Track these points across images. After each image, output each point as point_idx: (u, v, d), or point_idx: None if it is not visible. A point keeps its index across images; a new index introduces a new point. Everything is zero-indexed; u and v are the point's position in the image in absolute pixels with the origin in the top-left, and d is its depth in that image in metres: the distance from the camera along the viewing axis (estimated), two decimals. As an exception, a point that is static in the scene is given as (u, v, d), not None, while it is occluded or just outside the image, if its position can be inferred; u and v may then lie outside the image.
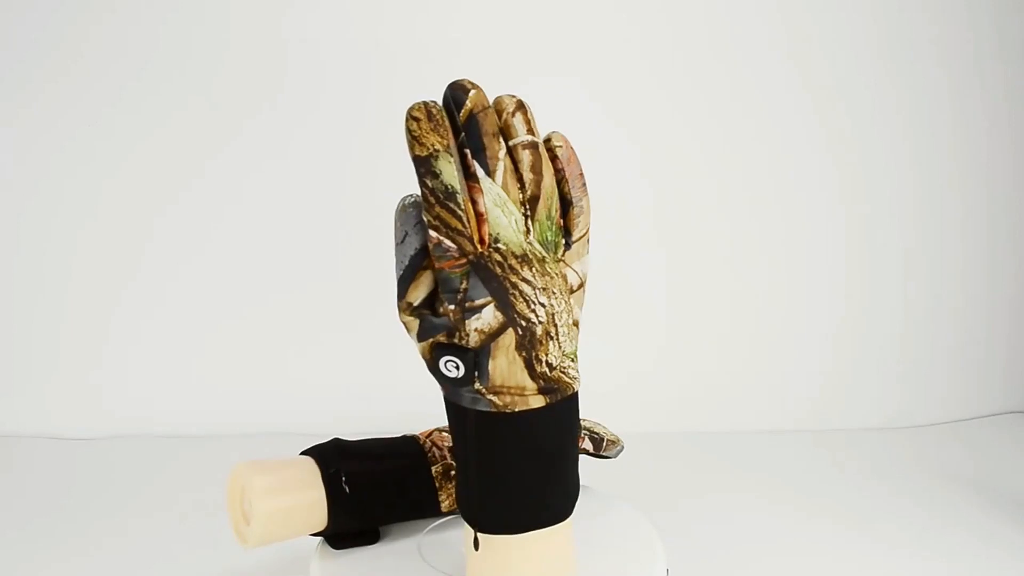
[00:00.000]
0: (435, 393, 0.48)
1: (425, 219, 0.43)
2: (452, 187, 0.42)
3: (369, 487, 0.54)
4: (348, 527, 0.54)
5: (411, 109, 0.43)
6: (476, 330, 0.43)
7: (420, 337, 0.45)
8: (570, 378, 0.47)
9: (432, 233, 0.42)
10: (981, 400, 1.01)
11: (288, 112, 0.89)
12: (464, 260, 0.42)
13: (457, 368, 0.44)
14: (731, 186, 0.95)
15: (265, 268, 0.91)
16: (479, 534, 0.46)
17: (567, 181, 0.46)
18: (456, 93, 0.44)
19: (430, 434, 0.59)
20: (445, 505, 0.56)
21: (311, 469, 0.53)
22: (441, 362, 0.44)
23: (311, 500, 0.52)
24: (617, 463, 0.60)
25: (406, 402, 0.88)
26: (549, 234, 0.45)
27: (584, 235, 0.47)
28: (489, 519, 0.46)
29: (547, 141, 0.46)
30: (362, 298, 0.92)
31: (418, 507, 0.56)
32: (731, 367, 0.97)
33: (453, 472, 0.56)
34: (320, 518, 0.52)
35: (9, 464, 0.82)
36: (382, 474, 0.55)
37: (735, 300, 0.96)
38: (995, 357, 1.01)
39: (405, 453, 0.56)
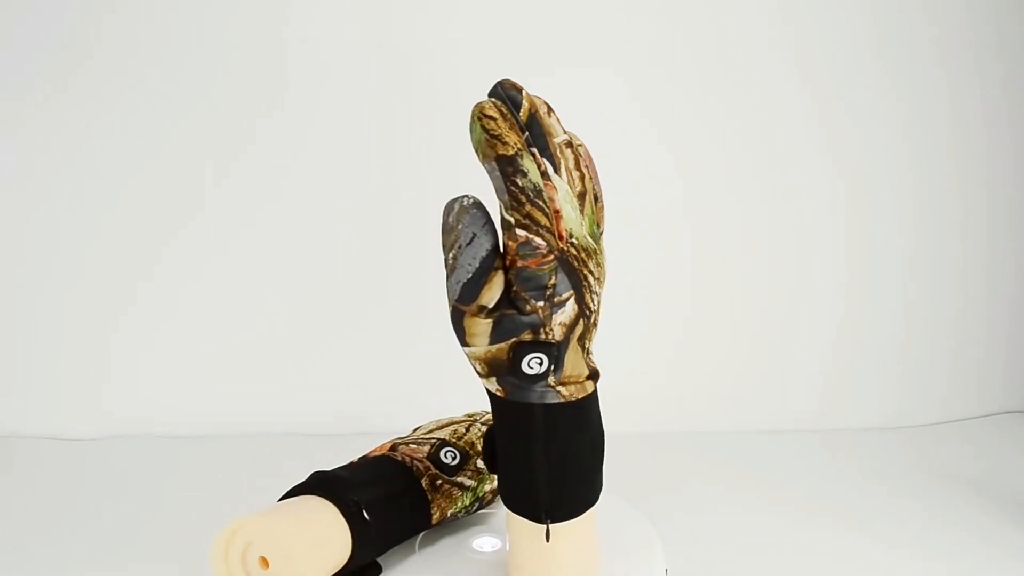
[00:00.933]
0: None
1: (510, 218, 0.43)
2: (538, 185, 0.43)
3: (383, 512, 0.52)
4: (366, 558, 0.51)
5: (484, 108, 0.43)
6: (560, 324, 0.44)
7: (498, 338, 0.44)
8: (595, 361, 0.48)
9: (520, 232, 0.43)
10: (981, 400, 1.01)
11: (292, 117, 0.89)
12: (551, 256, 0.43)
13: (540, 364, 0.44)
14: (729, 188, 0.95)
15: (266, 269, 0.91)
16: (551, 525, 0.46)
17: (593, 178, 0.47)
18: (511, 93, 0.44)
19: (395, 447, 0.58)
20: (436, 517, 0.55)
21: (323, 505, 0.50)
22: (525, 360, 0.44)
23: (337, 536, 0.49)
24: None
25: (406, 402, 0.88)
26: (594, 228, 0.46)
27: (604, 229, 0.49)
28: (561, 508, 0.46)
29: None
30: (362, 299, 0.92)
31: (415, 524, 0.55)
32: (731, 367, 0.97)
33: (439, 482, 0.56)
34: (342, 555, 0.49)
35: (9, 464, 0.82)
36: (389, 497, 0.53)
37: (735, 301, 0.96)
38: (995, 357, 1.01)
39: (393, 472, 0.55)
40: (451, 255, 0.45)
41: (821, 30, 0.93)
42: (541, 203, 0.43)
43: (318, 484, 0.52)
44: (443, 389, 0.89)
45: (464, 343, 0.46)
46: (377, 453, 0.58)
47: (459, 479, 0.57)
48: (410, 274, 0.89)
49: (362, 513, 0.50)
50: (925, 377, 0.99)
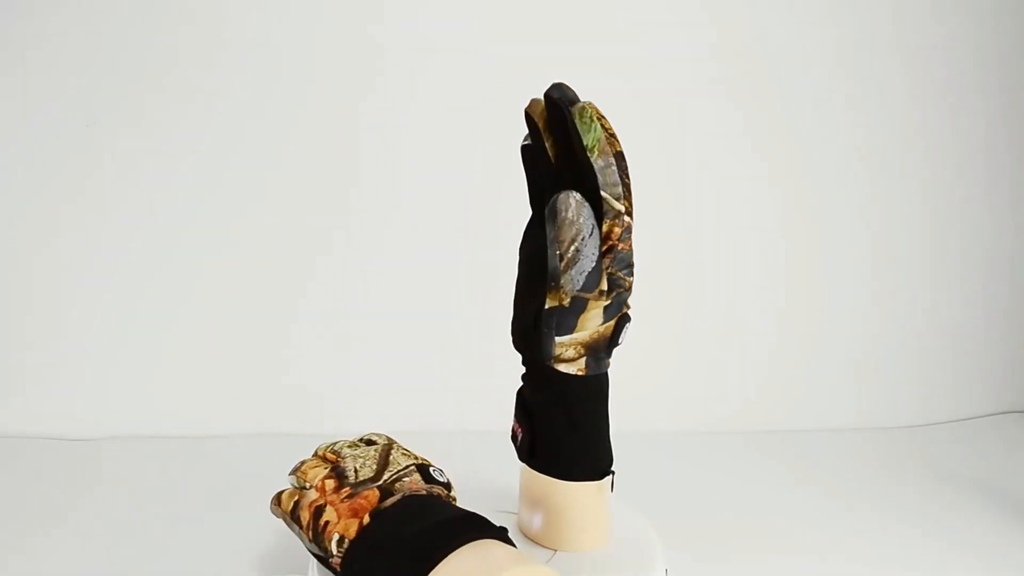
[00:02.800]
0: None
1: (620, 207, 0.49)
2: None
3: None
4: None
5: (591, 108, 0.48)
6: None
7: (609, 316, 0.51)
8: None
9: (627, 219, 0.50)
10: (981, 400, 1.01)
11: (280, 114, 0.89)
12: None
13: (626, 332, 0.52)
14: (741, 193, 0.95)
15: (266, 270, 0.91)
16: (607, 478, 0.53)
17: None
18: (571, 93, 0.49)
19: (388, 493, 0.50)
20: None
21: (500, 545, 0.44)
22: (624, 329, 0.52)
23: None
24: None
25: (405, 403, 0.88)
26: None
27: None
28: (603, 465, 0.53)
29: None
30: (362, 299, 0.92)
31: None
32: (731, 368, 0.97)
33: (452, 494, 0.52)
34: None
35: (9, 464, 0.81)
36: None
37: (737, 304, 0.96)
38: (995, 357, 1.01)
39: (441, 503, 0.50)
40: (573, 248, 0.48)
41: (840, 31, 0.93)
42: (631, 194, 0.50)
43: (478, 527, 0.45)
44: (441, 388, 0.89)
45: (574, 330, 0.50)
46: (382, 504, 0.49)
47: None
48: (410, 275, 0.89)
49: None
50: (926, 377, 0.99)
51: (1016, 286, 1.00)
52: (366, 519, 0.47)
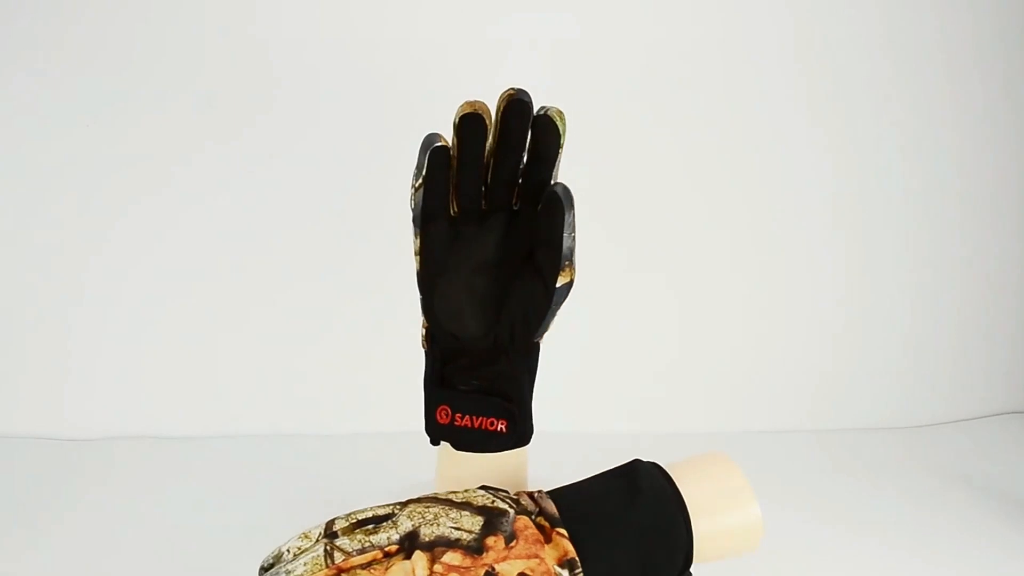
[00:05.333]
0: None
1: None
2: None
3: None
4: None
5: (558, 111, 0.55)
6: None
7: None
8: None
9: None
10: (981, 400, 1.01)
11: (282, 113, 0.89)
12: None
13: None
14: (732, 187, 0.95)
15: (266, 268, 0.91)
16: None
17: None
18: (526, 98, 0.55)
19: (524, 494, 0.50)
20: None
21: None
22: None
23: None
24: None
25: (405, 402, 0.88)
26: None
27: None
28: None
29: None
30: (362, 299, 0.92)
31: None
32: (730, 367, 0.97)
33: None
34: None
35: (9, 464, 0.82)
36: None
37: (734, 300, 0.96)
38: (995, 357, 1.01)
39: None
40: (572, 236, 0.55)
41: (824, 28, 0.93)
42: None
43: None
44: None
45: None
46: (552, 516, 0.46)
47: None
48: (411, 275, 0.89)
49: None
50: (926, 377, 0.99)
51: (1017, 286, 1.00)
52: (558, 540, 0.41)
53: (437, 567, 0.40)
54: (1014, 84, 0.97)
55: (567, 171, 0.55)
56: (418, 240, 0.57)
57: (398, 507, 0.46)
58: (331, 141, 0.90)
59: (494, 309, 0.57)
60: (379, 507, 0.46)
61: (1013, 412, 1.01)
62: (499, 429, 0.57)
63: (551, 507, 0.43)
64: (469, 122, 0.54)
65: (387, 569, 0.40)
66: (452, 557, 0.40)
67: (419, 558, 0.40)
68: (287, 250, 0.91)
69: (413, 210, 0.56)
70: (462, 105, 0.54)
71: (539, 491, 0.48)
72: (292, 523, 0.67)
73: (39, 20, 0.86)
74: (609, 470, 0.53)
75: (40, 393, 0.90)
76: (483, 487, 0.49)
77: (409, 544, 0.41)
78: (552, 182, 0.56)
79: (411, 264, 0.59)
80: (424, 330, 0.59)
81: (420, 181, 0.55)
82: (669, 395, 0.95)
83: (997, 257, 0.99)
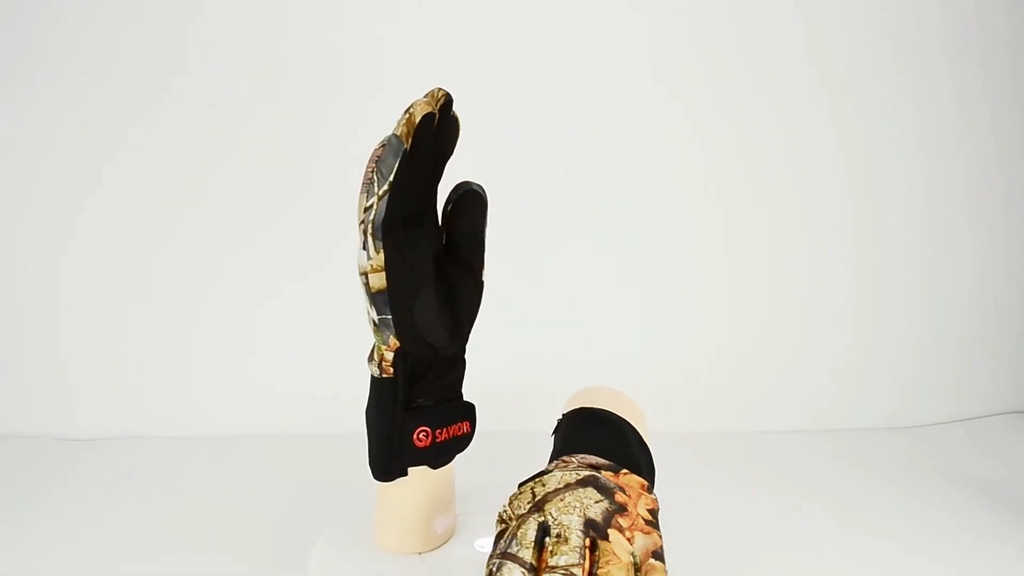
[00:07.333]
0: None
1: None
2: None
3: None
4: None
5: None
6: None
7: None
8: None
9: None
10: (981, 400, 1.00)
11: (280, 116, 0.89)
12: None
13: None
14: (739, 190, 0.95)
15: (264, 270, 0.91)
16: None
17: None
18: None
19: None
20: None
21: None
22: None
23: None
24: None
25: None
26: None
27: None
28: None
29: None
30: (362, 299, 0.91)
31: None
32: (733, 368, 0.96)
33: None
34: None
35: (9, 464, 0.82)
36: None
37: (737, 301, 0.96)
38: (995, 357, 1.01)
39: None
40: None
41: (834, 26, 0.93)
42: None
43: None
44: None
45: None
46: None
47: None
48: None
49: None
50: (928, 377, 0.99)
51: (1021, 288, 1.00)
52: (630, 477, 0.48)
53: (634, 535, 0.42)
54: (1020, 86, 0.96)
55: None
56: (381, 254, 0.50)
57: (536, 515, 0.43)
58: (331, 141, 0.90)
59: (451, 311, 0.55)
60: (508, 530, 0.44)
61: (1016, 412, 1.01)
62: (464, 431, 0.56)
63: (602, 460, 0.49)
64: (430, 121, 0.50)
65: (607, 563, 0.40)
66: (624, 521, 0.42)
67: (614, 535, 0.42)
68: (288, 251, 0.91)
69: (372, 221, 0.50)
70: (420, 104, 0.50)
71: (570, 456, 0.51)
72: (291, 522, 0.67)
73: (39, 20, 0.86)
74: (573, 426, 0.56)
75: (40, 393, 0.90)
76: (549, 467, 0.49)
77: (594, 531, 0.42)
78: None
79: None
80: (390, 354, 0.53)
81: (387, 187, 0.50)
82: (675, 396, 0.95)
83: (1001, 260, 0.99)
